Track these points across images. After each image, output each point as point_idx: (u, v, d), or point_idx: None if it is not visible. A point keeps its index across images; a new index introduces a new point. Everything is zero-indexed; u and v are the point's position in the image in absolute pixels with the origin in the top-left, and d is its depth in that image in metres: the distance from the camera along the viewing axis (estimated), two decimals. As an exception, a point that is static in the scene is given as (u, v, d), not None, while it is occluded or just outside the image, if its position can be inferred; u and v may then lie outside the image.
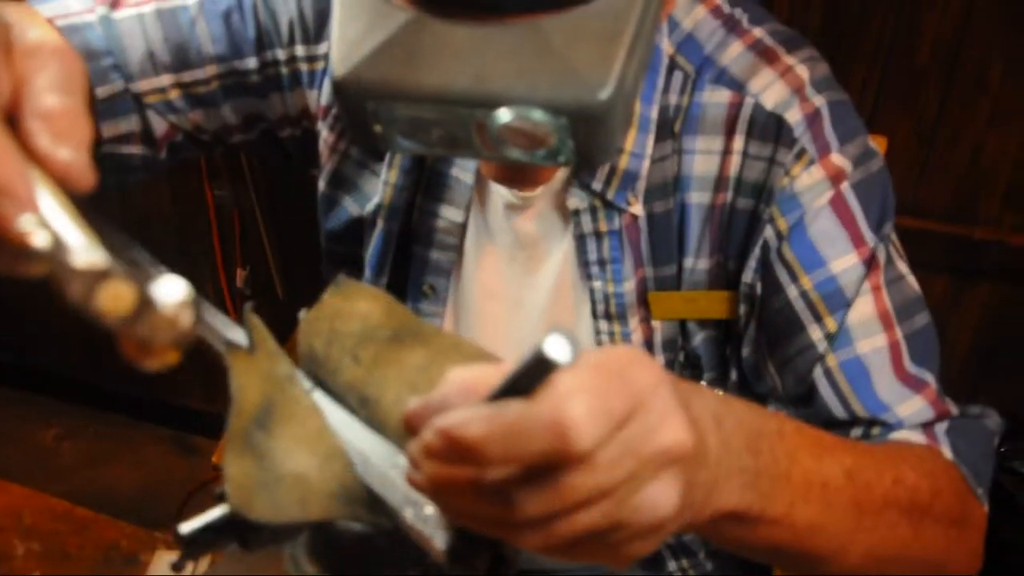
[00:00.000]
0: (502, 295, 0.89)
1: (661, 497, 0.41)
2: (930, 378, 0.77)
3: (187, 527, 0.50)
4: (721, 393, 0.51)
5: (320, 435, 0.55)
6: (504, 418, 0.38)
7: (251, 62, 0.85)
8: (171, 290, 0.41)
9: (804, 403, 0.79)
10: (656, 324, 0.85)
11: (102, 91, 0.83)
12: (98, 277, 0.39)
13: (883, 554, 0.62)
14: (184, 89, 0.86)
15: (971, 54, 1.51)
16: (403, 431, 0.47)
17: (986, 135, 1.57)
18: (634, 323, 0.85)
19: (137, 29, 0.83)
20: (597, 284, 0.84)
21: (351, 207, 0.92)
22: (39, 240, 0.38)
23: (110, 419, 2.47)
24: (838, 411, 0.77)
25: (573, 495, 0.39)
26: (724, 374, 0.88)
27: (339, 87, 0.57)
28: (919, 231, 1.63)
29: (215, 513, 0.50)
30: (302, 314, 0.60)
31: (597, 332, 0.86)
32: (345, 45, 0.56)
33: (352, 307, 0.59)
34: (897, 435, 0.75)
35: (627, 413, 0.40)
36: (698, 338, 0.86)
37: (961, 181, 1.62)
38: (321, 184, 0.92)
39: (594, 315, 0.85)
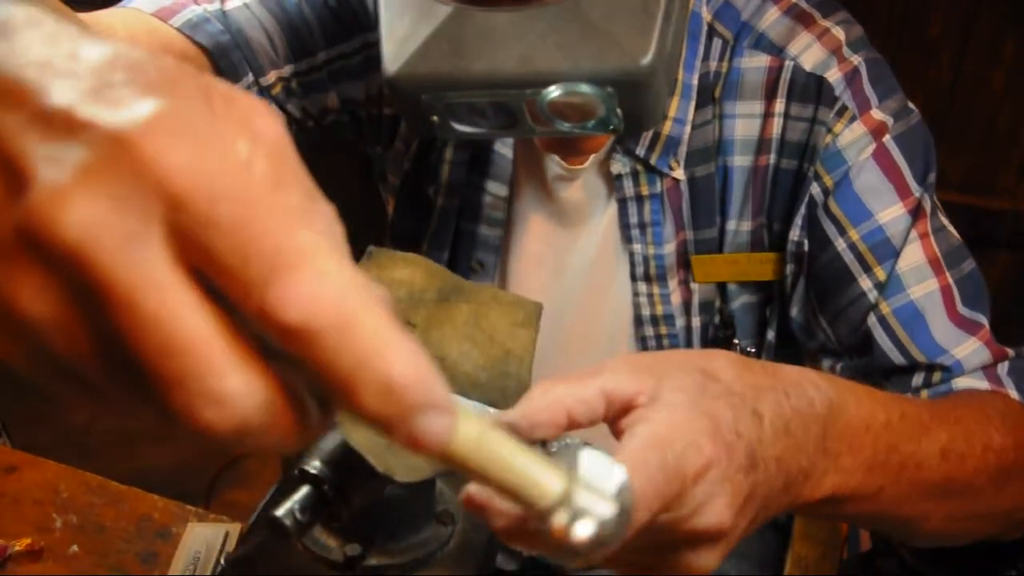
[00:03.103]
0: (547, 262, 0.91)
1: (697, 563, 0.43)
2: (983, 320, 0.78)
3: (281, 510, 0.49)
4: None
5: None
6: (532, 541, 0.39)
7: (352, 44, 0.85)
8: None
9: (861, 353, 0.80)
10: (695, 287, 0.87)
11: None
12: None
13: (963, 514, 0.63)
14: (302, 77, 0.85)
15: (985, 26, 1.50)
16: (470, 383, 0.50)
17: (1000, 107, 1.56)
18: (673, 285, 0.87)
19: (253, 19, 0.80)
20: (637, 247, 0.85)
21: (424, 184, 0.92)
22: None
23: (141, 398, 2.51)
24: (896, 358, 0.77)
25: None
26: (760, 340, 0.89)
27: (392, 84, 0.59)
28: (934, 202, 1.62)
29: (302, 492, 0.50)
30: None
31: (636, 294, 0.87)
32: (394, 43, 0.59)
33: (391, 276, 0.61)
34: (960, 382, 0.75)
35: (670, 501, 0.41)
36: (737, 301, 0.87)
37: (976, 152, 1.62)
38: (406, 164, 0.92)
39: (633, 277, 0.87)
